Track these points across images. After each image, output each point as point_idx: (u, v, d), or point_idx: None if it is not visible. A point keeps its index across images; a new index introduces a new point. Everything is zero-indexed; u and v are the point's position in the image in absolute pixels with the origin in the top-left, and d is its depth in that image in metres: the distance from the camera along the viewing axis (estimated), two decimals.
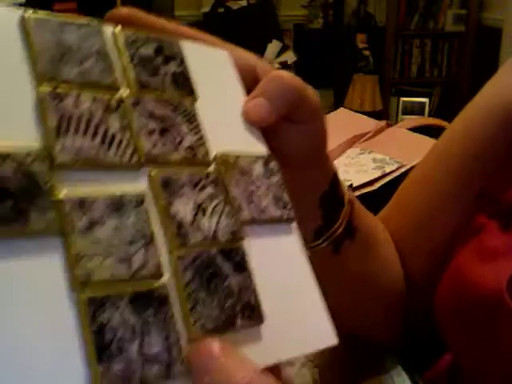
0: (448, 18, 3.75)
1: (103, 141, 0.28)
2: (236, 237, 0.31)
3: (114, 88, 0.30)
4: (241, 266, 0.30)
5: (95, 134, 0.28)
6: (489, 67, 3.39)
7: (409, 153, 0.91)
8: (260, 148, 0.35)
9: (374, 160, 0.92)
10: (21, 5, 2.25)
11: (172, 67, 0.33)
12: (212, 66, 0.36)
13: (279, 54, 3.50)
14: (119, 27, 0.32)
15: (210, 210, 0.30)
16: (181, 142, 0.31)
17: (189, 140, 0.31)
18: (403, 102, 2.44)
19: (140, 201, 0.28)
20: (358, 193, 0.84)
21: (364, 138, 1.02)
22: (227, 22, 3.47)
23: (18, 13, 0.28)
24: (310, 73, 3.55)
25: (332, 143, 0.98)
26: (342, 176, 0.88)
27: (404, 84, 3.87)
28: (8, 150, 0.25)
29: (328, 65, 3.77)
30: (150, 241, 0.27)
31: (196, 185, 0.30)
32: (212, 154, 0.32)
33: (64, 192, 0.26)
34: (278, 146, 0.39)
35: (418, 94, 3.29)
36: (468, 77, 3.77)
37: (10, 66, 0.27)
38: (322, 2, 3.78)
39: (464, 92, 3.74)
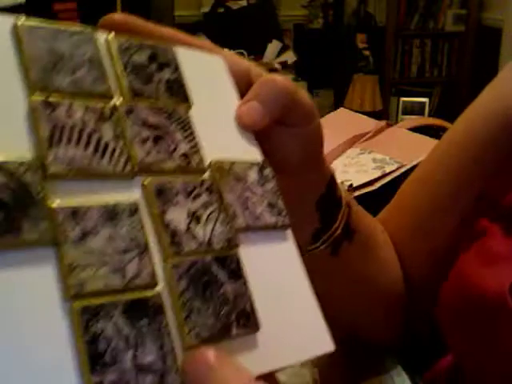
0: (448, 18, 3.75)
1: (96, 150, 0.28)
2: (231, 244, 0.30)
3: (107, 96, 0.30)
4: (236, 273, 0.30)
5: (88, 143, 0.27)
6: (489, 67, 3.40)
7: (409, 153, 0.91)
8: (255, 154, 0.35)
9: (374, 160, 0.92)
10: (21, 5, 2.26)
11: (166, 74, 0.33)
12: (206, 72, 0.36)
13: (279, 53, 3.50)
14: (112, 34, 0.32)
15: (204, 217, 0.30)
16: (175, 149, 0.31)
17: (183, 148, 0.31)
18: (403, 102, 2.43)
19: (134, 210, 0.28)
20: (357, 193, 0.84)
21: (364, 138, 1.02)
22: (227, 21, 3.47)
23: (10, 20, 0.28)
24: (309, 73, 3.56)
25: (332, 143, 0.98)
26: (341, 176, 0.89)
27: (404, 84, 3.87)
28: (0, 160, 0.25)
29: (328, 65, 3.77)
30: (143, 250, 0.27)
31: (190, 193, 0.30)
32: (207, 161, 0.32)
33: (57, 202, 0.25)
34: (274, 151, 0.39)
35: (418, 94, 3.29)
36: (468, 77, 3.77)
37: (2, 74, 0.27)
38: (321, 2, 3.77)
39: (464, 92, 3.74)
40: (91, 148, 0.28)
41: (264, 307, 0.30)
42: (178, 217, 0.29)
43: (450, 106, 3.66)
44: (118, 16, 0.35)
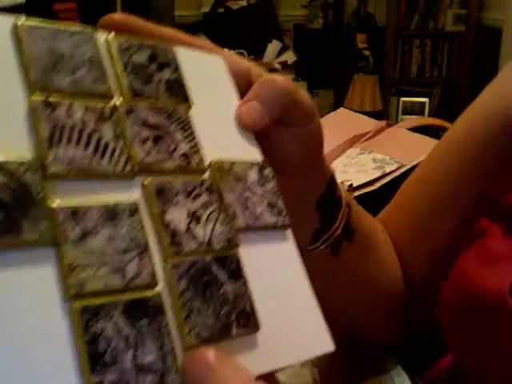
0: (448, 18, 3.75)
1: (96, 150, 0.28)
2: (231, 244, 0.30)
3: (107, 96, 0.30)
4: (236, 273, 0.30)
5: (88, 143, 0.27)
6: (489, 67, 3.40)
7: (409, 153, 0.91)
8: (255, 154, 0.35)
9: (374, 160, 0.92)
10: (21, 5, 2.26)
11: (166, 74, 0.33)
12: (206, 72, 0.36)
13: (279, 53, 3.50)
14: (112, 34, 0.32)
15: (204, 217, 0.30)
16: (175, 149, 0.31)
17: (183, 148, 0.31)
18: (403, 102, 2.43)
19: (134, 210, 0.28)
20: (358, 193, 0.84)
21: (364, 138, 1.02)
22: (227, 21, 3.47)
23: (10, 20, 0.28)
24: (310, 73, 3.56)
25: (332, 143, 0.98)
26: (341, 176, 0.89)
27: (404, 84, 3.87)
28: (0, 160, 0.25)
29: (328, 65, 3.77)
30: (143, 250, 0.27)
31: (190, 193, 0.30)
32: (207, 161, 0.32)
33: (57, 202, 0.25)
34: (274, 151, 0.39)
35: (418, 94, 3.29)
36: (468, 77, 3.77)
37: (2, 74, 0.27)
38: (321, 2, 3.78)
39: (464, 92, 3.74)
40: (91, 148, 0.27)
41: (264, 307, 0.30)
42: (177, 217, 0.29)
43: (450, 106, 3.66)
44: (118, 16, 0.35)
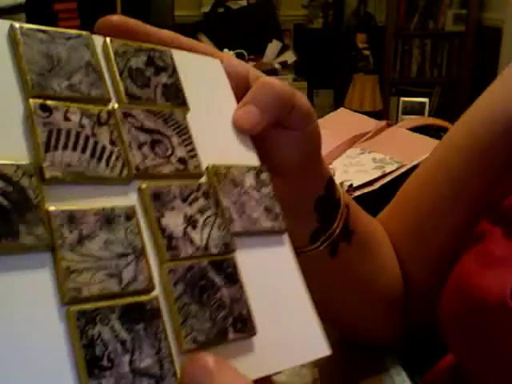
0: (448, 18, 3.75)
1: (93, 155, 0.28)
2: (227, 249, 0.31)
3: (103, 101, 0.30)
4: (232, 277, 0.30)
5: (85, 147, 0.28)
6: (489, 67, 3.39)
7: (409, 153, 0.91)
8: (252, 158, 0.35)
9: (374, 160, 0.92)
10: (21, 5, 2.26)
11: (163, 78, 0.33)
12: (204, 76, 0.36)
13: (279, 54, 3.50)
14: (109, 38, 0.32)
15: (201, 222, 0.30)
16: (172, 154, 0.31)
17: (180, 152, 0.31)
18: (403, 102, 2.43)
19: (130, 214, 0.28)
20: (358, 193, 0.84)
21: (364, 138, 1.02)
22: (227, 21, 3.47)
23: (7, 24, 0.28)
24: (310, 73, 3.56)
25: (332, 143, 0.98)
26: (341, 176, 0.88)
27: (404, 84, 3.87)
28: None
29: (328, 65, 3.77)
30: (140, 254, 0.27)
31: (187, 197, 0.30)
32: (203, 166, 0.32)
33: (54, 206, 0.26)
34: (272, 153, 0.39)
35: (418, 94, 3.29)
36: (468, 77, 3.77)
37: None
38: (321, 2, 3.78)
39: (464, 92, 3.74)
40: (88, 152, 0.28)
41: (260, 312, 0.30)
42: (174, 221, 0.29)
43: (449, 106, 3.66)
44: (116, 18, 0.35)
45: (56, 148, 0.27)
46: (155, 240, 0.28)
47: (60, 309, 0.24)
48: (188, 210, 0.30)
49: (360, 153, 0.97)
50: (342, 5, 3.79)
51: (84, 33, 0.31)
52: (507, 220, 0.43)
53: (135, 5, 2.75)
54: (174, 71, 0.34)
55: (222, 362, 0.26)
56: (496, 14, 3.54)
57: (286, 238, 0.34)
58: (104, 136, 0.28)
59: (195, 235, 0.30)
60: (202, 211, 0.30)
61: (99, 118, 0.29)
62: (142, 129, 0.30)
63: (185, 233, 0.29)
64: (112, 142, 0.29)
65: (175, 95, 0.33)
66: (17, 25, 0.28)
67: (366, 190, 0.84)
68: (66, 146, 0.27)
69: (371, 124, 1.06)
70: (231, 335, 0.28)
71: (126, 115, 0.30)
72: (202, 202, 0.31)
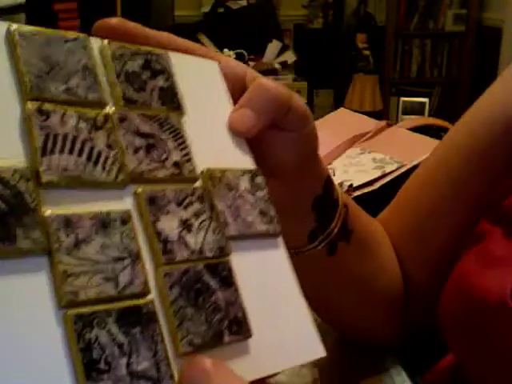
0: (448, 18, 3.75)
1: (89, 159, 0.28)
2: (222, 252, 0.31)
3: (100, 104, 0.30)
4: (227, 281, 0.30)
5: (81, 151, 0.28)
6: (489, 67, 3.39)
7: (409, 153, 0.91)
8: (247, 162, 0.35)
9: (374, 160, 0.92)
10: (21, 5, 2.26)
11: (159, 82, 0.33)
12: (200, 78, 0.36)
13: (279, 54, 3.50)
14: (106, 41, 0.32)
15: (196, 225, 0.30)
16: (167, 158, 0.31)
17: (175, 156, 0.31)
18: (403, 102, 2.43)
19: (126, 218, 0.28)
20: (358, 193, 0.84)
21: (364, 138, 1.02)
22: (227, 21, 3.47)
23: (4, 26, 0.28)
24: (309, 73, 3.56)
25: (332, 143, 0.98)
26: (341, 176, 0.88)
27: (404, 84, 3.87)
28: None
29: (328, 65, 3.77)
30: (136, 258, 0.27)
31: (182, 201, 0.30)
32: (199, 170, 0.32)
33: (50, 210, 0.26)
34: (269, 154, 0.39)
35: (418, 94, 3.29)
36: (468, 77, 3.77)
37: None
38: (321, 2, 3.78)
39: (464, 92, 3.74)
40: (84, 156, 0.28)
41: (256, 314, 0.31)
42: (169, 225, 0.29)
43: (449, 106, 3.66)
44: (115, 20, 0.35)
45: (53, 152, 0.27)
46: (151, 244, 0.28)
47: (57, 312, 0.24)
48: (183, 214, 0.30)
49: (360, 153, 0.97)
50: (342, 5, 3.79)
51: (81, 35, 0.31)
52: (507, 220, 0.43)
53: (135, 5, 2.75)
54: (171, 75, 0.34)
55: (219, 364, 0.27)
56: (496, 14, 3.54)
57: (280, 240, 0.35)
58: (101, 140, 0.29)
59: (190, 239, 0.30)
60: (197, 215, 0.31)
61: (96, 122, 0.29)
62: (138, 133, 0.30)
63: (180, 236, 0.29)
64: (108, 146, 0.29)
65: (171, 99, 0.33)
66: (15, 26, 0.28)
67: (366, 190, 0.84)
68: (62, 150, 0.27)
69: (371, 124, 1.06)
70: (227, 338, 0.29)
71: (121, 119, 0.30)
72: (197, 205, 0.31)
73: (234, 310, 0.30)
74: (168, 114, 0.32)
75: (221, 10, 3.56)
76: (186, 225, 0.30)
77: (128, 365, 0.25)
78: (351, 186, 0.85)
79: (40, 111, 0.27)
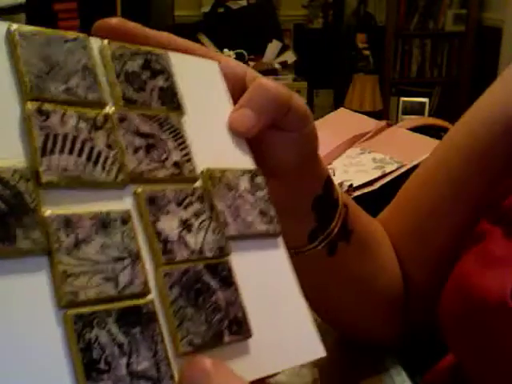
0: (448, 18, 3.75)
1: (89, 159, 0.28)
2: (222, 252, 0.31)
3: (100, 104, 0.30)
4: (227, 281, 0.30)
5: (81, 151, 0.28)
6: (489, 67, 3.39)
7: (409, 153, 0.91)
8: (247, 162, 0.35)
9: (374, 160, 0.92)
10: (21, 5, 2.26)
11: (159, 82, 0.33)
12: (200, 78, 0.36)
13: (279, 54, 3.50)
14: (106, 41, 0.32)
15: (196, 226, 0.30)
16: (167, 158, 0.31)
17: (175, 156, 0.31)
18: (403, 101, 2.43)
19: (126, 218, 0.28)
20: (358, 193, 0.84)
21: (364, 138, 1.02)
22: (227, 21, 3.47)
23: (4, 26, 0.28)
24: (309, 73, 3.56)
25: (332, 143, 0.98)
26: (341, 176, 0.88)
27: (404, 84, 3.87)
28: None
29: (328, 65, 3.77)
30: (136, 258, 0.27)
31: (182, 201, 0.30)
32: (198, 170, 0.32)
33: (50, 210, 0.26)
34: (269, 154, 0.39)
35: (418, 94, 3.29)
36: (468, 77, 3.77)
37: None
38: (321, 2, 3.77)
39: (464, 92, 3.74)
40: (84, 157, 0.28)
41: (256, 314, 0.31)
42: (169, 225, 0.29)
43: (449, 106, 3.66)
44: (115, 20, 0.35)
45: (52, 152, 0.27)
46: (151, 244, 0.28)
47: (57, 312, 0.24)
48: (183, 214, 0.30)
49: (360, 153, 0.97)
50: (342, 5, 3.79)
51: (81, 35, 0.31)
52: (507, 220, 0.43)
53: (135, 5, 2.75)
54: (171, 74, 0.34)
55: (219, 364, 0.27)
56: (496, 14, 3.54)
57: (280, 240, 0.35)
58: (100, 140, 0.29)
59: (190, 239, 0.30)
60: (197, 215, 0.31)
61: (96, 122, 0.29)
62: (138, 133, 0.30)
63: (180, 236, 0.29)
64: (108, 146, 0.29)
65: (171, 99, 0.33)
66: (15, 26, 0.28)
67: (366, 190, 0.84)
68: (62, 150, 0.27)
69: (371, 124, 1.06)
70: (227, 338, 0.29)
71: (121, 119, 0.30)
72: (196, 205, 0.31)
73: (233, 310, 0.30)
74: (168, 113, 0.32)
75: (221, 10, 3.55)
76: (185, 225, 0.30)
77: (128, 365, 0.25)
78: (351, 185, 0.85)
79: (40, 111, 0.27)
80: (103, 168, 0.28)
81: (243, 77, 0.38)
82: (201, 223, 0.31)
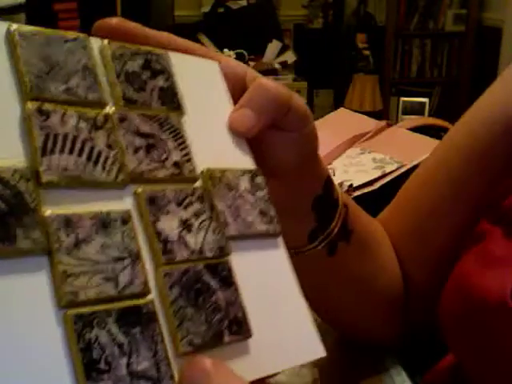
0: (448, 18, 3.75)
1: (89, 158, 0.28)
2: (222, 252, 0.31)
3: (100, 104, 0.30)
4: (227, 281, 0.30)
5: (81, 151, 0.28)
6: (489, 67, 3.39)
7: (409, 153, 0.91)
8: (247, 162, 0.35)
9: (374, 160, 0.92)
10: (21, 5, 2.26)
11: (159, 82, 0.33)
12: (200, 78, 0.36)
13: (279, 54, 3.50)
14: (106, 41, 0.32)
15: (196, 225, 0.30)
16: (167, 158, 0.31)
17: (175, 156, 0.31)
18: (403, 101, 2.43)
19: (126, 218, 0.28)
20: (358, 193, 0.84)
21: (364, 138, 1.02)
22: (227, 21, 3.47)
23: (4, 26, 0.28)
24: (309, 73, 3.56)
25: (332, 143, 0.98)
26: (341, 176, 0.89)
27: (404, 84, 3.87)
28: None
29: (328, 65, 3.77)
30: (136, 258, 0.27)
31: (182, 201, 0.30)
32: (199, 170, 0.32)
33: (50, 210, 0.26)
34: (269, 154, 0.39)
35: (418, 94, 3.29)
36: (468, 77, 3.77)
37: None
38: (321, 2, 3.77)
39: (464, 92, 3.74)
40: (84, 156, 0.28)
41: (256, 314, 0.31)
42: (169, 225, 0.29)
43: (449, 106, 3.66)
44: (114, 20, 0.35)
45: (53, 152, 0.27)
46: (151, 244, 0.28)
47: (57, 312, 0.24)
48: (183, 214, 0.30)
49: (360, 153, 0.97)
50: (342, 5, 3.79)
51: (81, 35, 0.31)
52: (507, 220, 0.43)
53: (135, 5, 2.75)
54: (171, 74, 0.34)
55: (219, 364, 0.27)
56: (496, 14, 3.54)
57: (280, 240, 0.35)
58: (101, 140, 0.29)
59: (190, 239, 0.30)
60: (197, 215, 0.31)
61: (96, 122, 0.29)
62: (138, 133, 0.30)
63: (180, 236, 0.29)
64: (108, 146, 0.29)
65: (171, 99, 0.33)
66: (15, 26, 0.28)
67: (366, 190, 0.84)
68: (62, 150, 0.27)
69: (371, 124, 1.06)
70: (227, 338, 0.29)
71: (121, 119, 0.30)
72: (196, 205, 0.31)
73: (234, 310, 0.30)
74: (168, 113, 0.32)
75: (221, 10, 3.55)
76: (186, 225, 0.30)
77: (128, 365, 0.25)
78: (351, 185, 0.85)
79: (40, 111, 0.27)
80: (103, 168, 0.28)
81: (243, 77, 0.38)
82: (201, 223, 0.31)
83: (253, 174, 0.35)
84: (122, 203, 0.28)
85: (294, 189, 0.43)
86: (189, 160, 0.32)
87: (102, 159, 0.28)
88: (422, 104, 2.42)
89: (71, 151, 0.27)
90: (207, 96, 0.36)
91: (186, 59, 0.36)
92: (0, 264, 0.24)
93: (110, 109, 0.30)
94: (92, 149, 0.28)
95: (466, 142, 0.51)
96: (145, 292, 0.27)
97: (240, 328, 0.29)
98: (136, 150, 0.30)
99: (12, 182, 0.25)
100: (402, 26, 3.78)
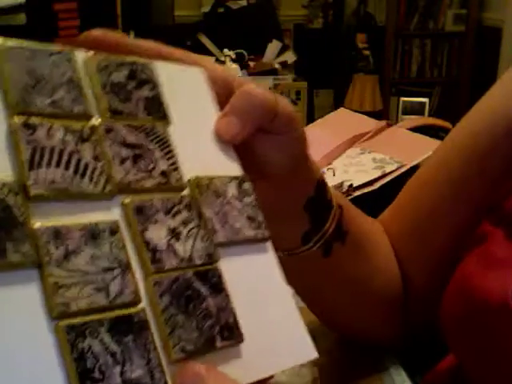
0: (448, 18, 3.75)
1: (76, 171, 0.28)
2: (211, 259, 0.31)
3: (86, 116, 0.30)
4: (217, 287, 0.30)
5: (68, 164, 0.28)
6: (489, 67, 3.39)
7: (409, 153, 0.91)
8: (234, 168, 0.36)
9: (374, 160, 0.93)
10: (21, 5, 2.26)
11: (145, 92, 0.33)
12: (186, 87, 0.36)
13: (279, 53, 3.50)
14: (91, 53, 0.32)
15: (184, 234, 0.31)
16: (154, 168, 0.31)
17: (162, 165, 0.32)
18: (403, 101, 2.43)
19: (114, 229, 0.28)
20: (358, 193, 0.84)
21: (364, 138, 1.02)
22: (227, 21, 3.47)
23: None
24: (309, 73, 3.56)
25: (332, 143, 0.98)
26: (341, 176, 0.89)
27: (404, 84, 3.87)
28: None
29: (328, 65, 3.77)
30: (126, 268, 0.28)
31: (170, 210, 0.31)
32: (186, 178, 0.32)
33: (39, 223, 0.26)
34: (258, 158, 0.39)
35: (418, 94, 3.29)
36: (468, 77, 3.77)
37: None
38: (321, 2, 3.78)
39: (464, 92, 3.74)
40: (72, 169, 0.28)
41: (247, 319, 0.31)
42: (158, 234, 0.29)
43: (450, 106, 3.66)
44: (97, 32, 0.35)
45: (40, 165, 0.27)
46: (140, 253, 0.29)
47: (50, 323, 0.25)
48: (171, 223, 0.30)
49: (360, 153, 0.97)
50: (342, 5, 3.79)
51: (66, 48, 0.31)
52: (509, 221, 0.43)
53: (135, 5, 2.75)
54: (156, 84, 0.34)
55: (213, 369, 0.27)
56: (496, 14, 3.54)
57: (269, 245, 0.35)
58: (87, 152, 0.29)
59: (179, 247, 0.30)
60: (185, 223, 0.31)
61: (82, 134, 0.29)
62: (124, 144, 0.31)
63: (169, 245, 0.30)
64: (95, 158, 0.29)
65: (157, 108, 0.33)
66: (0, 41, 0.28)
67: (365, 190, 0.85)
68: (49, 163, 0.27)
69: (371, 124, 1.06)
70: (219, 343, 0.29)
71: (108, 130, 0.30)
72: (184, 214, 0.31)
73: (224, 316, 0.30)
74: (154, 123, 0.32)
75: (221, 10, 3.55)
76: (174, 233, 0.30)
77: (122, 373, 0.25)
78: (351, 186, 0.85)
79: (26, 125, 0.27)
80: (91, 179, 0.28)
81: (231, 82, 0.38)
82: (189, 231, 0.31)
83: (240, 181, 0.35)
84: (110, 214, 0.29)
85: (285, 191, 0.43)
86: (176, 169, 0.32)
87: (89, 171, 0.28)
88: (422, 104, 2.42)
89: (58, 164, 0.27)
90: (193, 104, 0.36)
91: (172, 68, 0.36)
92: None
93: (96, 120, 0.30)
94: (79, 161, 0.28)
95: (466, 143, 0.51)
96: (136, 301, 0.27)
97: (231, 333, 0.30)
98: (123, 161, 0.30)
99: (1, 195, 0.25)
100: (402, 26, 3.78)
